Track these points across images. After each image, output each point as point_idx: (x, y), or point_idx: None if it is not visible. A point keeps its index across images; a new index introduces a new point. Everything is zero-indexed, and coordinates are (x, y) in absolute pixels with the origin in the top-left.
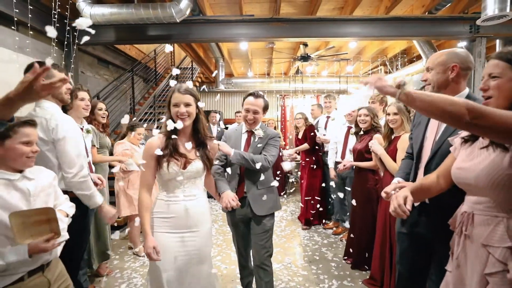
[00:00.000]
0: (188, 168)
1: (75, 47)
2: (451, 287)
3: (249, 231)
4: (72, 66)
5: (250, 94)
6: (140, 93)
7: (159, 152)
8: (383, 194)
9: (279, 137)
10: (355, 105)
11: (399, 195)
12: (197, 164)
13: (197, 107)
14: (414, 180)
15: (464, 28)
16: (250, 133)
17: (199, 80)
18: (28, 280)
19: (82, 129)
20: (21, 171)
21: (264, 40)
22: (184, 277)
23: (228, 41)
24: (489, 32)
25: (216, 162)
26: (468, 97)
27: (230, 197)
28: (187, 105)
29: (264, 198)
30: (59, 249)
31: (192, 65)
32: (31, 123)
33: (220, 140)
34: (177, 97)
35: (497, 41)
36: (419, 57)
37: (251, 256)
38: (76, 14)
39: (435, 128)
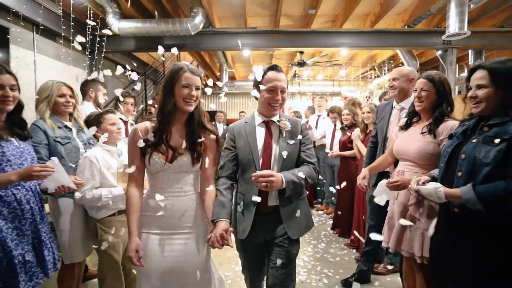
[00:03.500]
0: (175, 162)
1: (102, 55)
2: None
3: (264, 254)
4: (101, 70)
5: (271, 68)
6: (151, 95)
7: (141, 144)
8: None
9: None
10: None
11: (360, 177)
12: (185, 158)
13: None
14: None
15: (438, 40)
16: (269, 124)
17: (204, 82)
18: (117, 216)
19: (126, 122)
20: (115, 145)
21: (266, 49)
22: (170, 285)
23: (234, 50)
24: (459, 44)
25: (223, 173)
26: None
27: (218, 232)
28: (197, 88)
29: (298, 214)
30: None
31: (197, 68)
32: (111, 111)
33: (224, 138)
34: (189, 77)
35: (470, 51)
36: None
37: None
38: (104, 26)
39: (395, 124)
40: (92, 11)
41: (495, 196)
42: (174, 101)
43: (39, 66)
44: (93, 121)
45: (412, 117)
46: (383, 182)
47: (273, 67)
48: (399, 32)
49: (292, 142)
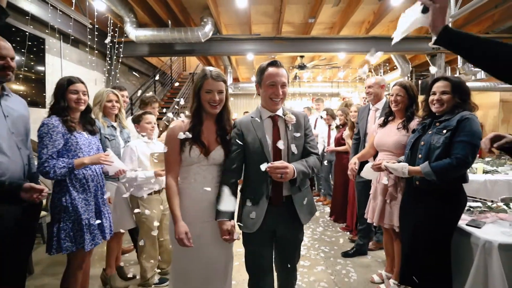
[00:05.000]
0: (211, 155)
1: (120, 60)
2: (372, 195)
3: (272, 244)
4: (118, 75)
5: (270, 64)
6: (158, 96)
7: (182, 136)
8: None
9: None
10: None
11: (351, 162)
12: (219, 152)
13: (227, 93)
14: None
15: (428, 46)
16: (275, 118)
17: None
18: (153, 195)
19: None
20: (151, 139)
21: (269, 54)
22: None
23: (239, 55)
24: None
25: (229, 167)
26: (385, 103)
27: (223, 236)
28: (220, 92)
29: (305, 201)
30: (163, 182)
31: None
32: (149, 113)
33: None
34: (211, 83)
35: (459, 56)
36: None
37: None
38: (122, 34)
39: (372, 122)
40: (112, 21)
41: (443, 169)
42: (200, 104)
43: (64, 71)
44: (135, 119)
45: (388, 116)
46: (369, 164)
47: (273, 63)
48: (391, 38)
49: (298, 135)
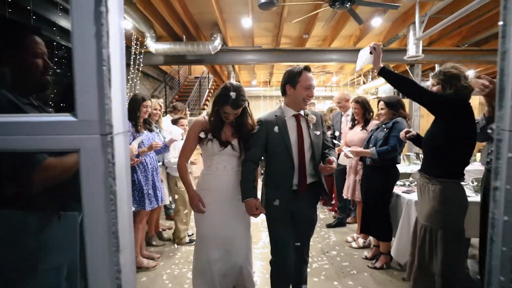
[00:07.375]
0: (228, 148)
1: (140, 69)
2: (347, 177)
3: (291, 224)
4: (139, 82)
5: (306, 69)
6: (168, 98)
7: (202, 135)
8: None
9: None
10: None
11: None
12: (236, 146)
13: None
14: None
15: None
16: (298, 117)
17: (213, 87)
18: None
19: None
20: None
21: (268, 64)
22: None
23: (243, 64)
24: (424, 60)
25: (252, 158)
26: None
27: (251, 212)
28: (236, 114)
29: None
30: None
31: (208, 75)
32: (183, 117)
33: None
34: (229, 110)
35: (436, 65)
36: None
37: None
38: (141, 45)
39: (345, 124)
40: (135, 36)
41: (383, 153)
42: (219, 116)
43: None
44: (173, 121)
45: (354, 121)
46: (342, 153)
47: (308, 68)
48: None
49: (318, 133)
